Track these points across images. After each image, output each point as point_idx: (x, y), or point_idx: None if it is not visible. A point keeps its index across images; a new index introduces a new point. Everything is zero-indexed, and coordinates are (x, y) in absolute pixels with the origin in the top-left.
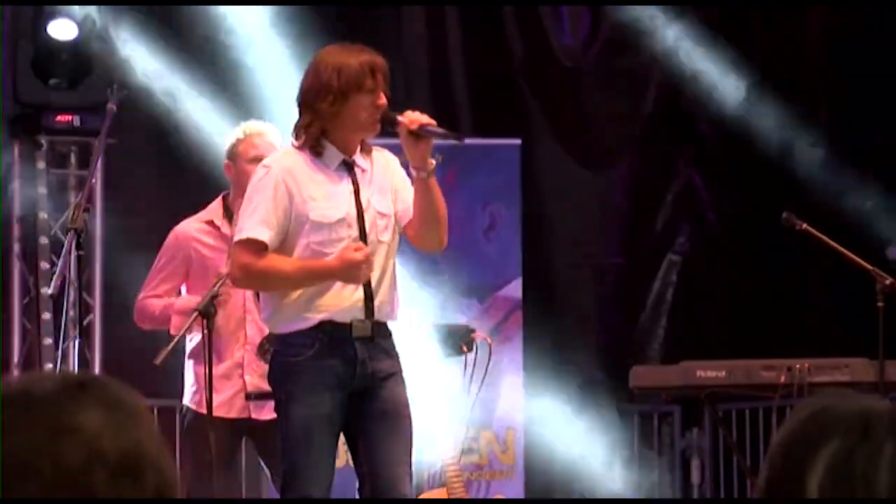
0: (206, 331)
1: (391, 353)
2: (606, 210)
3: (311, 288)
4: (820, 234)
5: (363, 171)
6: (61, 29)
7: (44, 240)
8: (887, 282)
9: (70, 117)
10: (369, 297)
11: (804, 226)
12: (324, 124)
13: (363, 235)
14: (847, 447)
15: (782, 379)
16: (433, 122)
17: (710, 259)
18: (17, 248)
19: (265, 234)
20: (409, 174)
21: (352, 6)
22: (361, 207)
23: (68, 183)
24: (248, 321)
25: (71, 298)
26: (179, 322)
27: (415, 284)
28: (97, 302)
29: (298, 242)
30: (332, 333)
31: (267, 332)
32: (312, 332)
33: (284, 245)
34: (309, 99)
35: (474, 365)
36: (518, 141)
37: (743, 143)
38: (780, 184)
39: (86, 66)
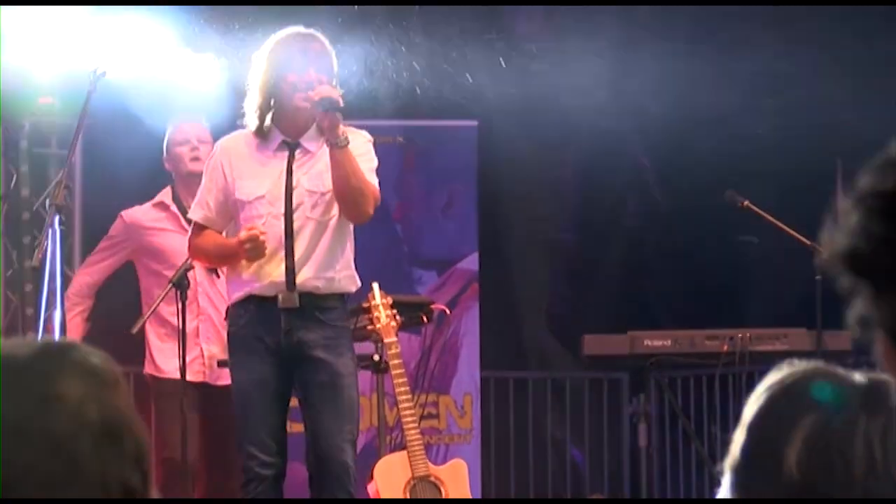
0: (180, 302)
1: (328, 324)
2: (558, 188)
3: (242, 263)
4: (761, 211)
5: (308, 152)
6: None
7: (26, 216)
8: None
9: (51, 99)
10: (290, 269)
11: (745, 203)
12: (264, 105)
13: (288, 212)
14: (823, 420)
15: (725, 348)
16: (332, 94)
17: (656, 234)
18: (0, 223)
19: (198, 214)
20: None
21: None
22: (291, 186)
23: (49, 161)
24: (200, 293)
25: (52, 270)
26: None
27: (377, 258)
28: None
29: (236, 219)
30: (259, 305)
31: (217, 301)
32: (244, 304)
33: (228, 221)
34: (250, 83)
35: (433, 334)
36: (475, 123)
37: (689, 122)
38: (724, 163)
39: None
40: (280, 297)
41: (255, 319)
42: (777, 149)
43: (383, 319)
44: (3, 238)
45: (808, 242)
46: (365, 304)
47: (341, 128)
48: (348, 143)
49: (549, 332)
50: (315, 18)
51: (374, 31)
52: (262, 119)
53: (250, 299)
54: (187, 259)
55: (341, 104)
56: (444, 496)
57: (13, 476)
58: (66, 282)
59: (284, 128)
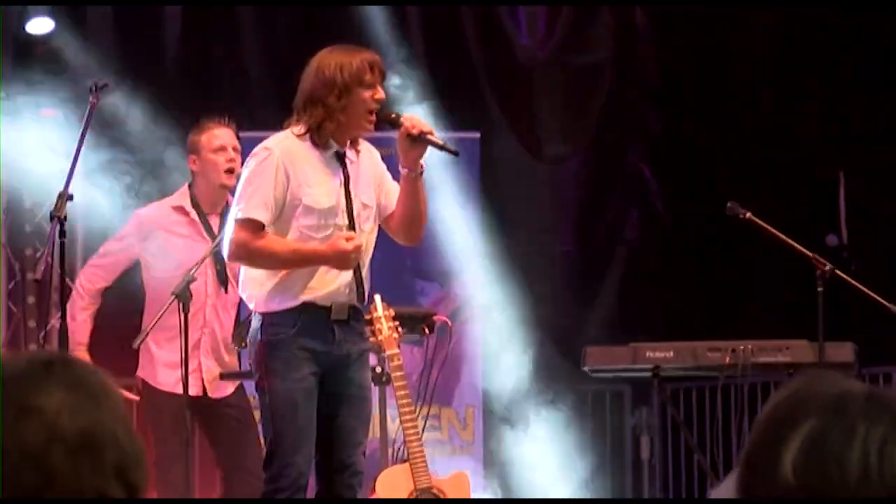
0: (181, 313)
1: (363, 336)
2: (560, 201)
3: (297, 271)
4: (762, 223)
5: (352, 162)
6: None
7: (28, 227)
8: (826, 268)
9: (54, 111)
10: (359, 282)
11: (748, 214)
12: (328, 118)
13: (352, 224)
14: (822, 426)
15: (727, 360)
16: (432, 130)
17: (658, 246)
18: (3, 236)
19: (263, 216)
20: (389, 168)
21: (317, 7)
22: (351, 198)
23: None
24: (209, 305)
25: (54, 283)
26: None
27: (379, 269)
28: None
29: (291, 224)
30: (312, 314)
31: (222, 316)
32: (294, 313)
33: (278, 223)
34: (315, 96)
35: (435, 346)
36: (477, 135)
37: (690, 136)
38: (725, 175)
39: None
40: (333, 307)
41: (307, 328)
42: (780, 159)
43: (385, 331)
44: (5, 250)
45: (809, 254)
46: (367, 316)
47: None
48: (456, 153)
49: (551, 344)
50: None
51: (375, 41)
52: (322, 128)
53: (304, 307)
54: (191, 270)
55: (441, 142)
56: (451, 498)
57: None
58: (67, 294)
59: (338, 136)
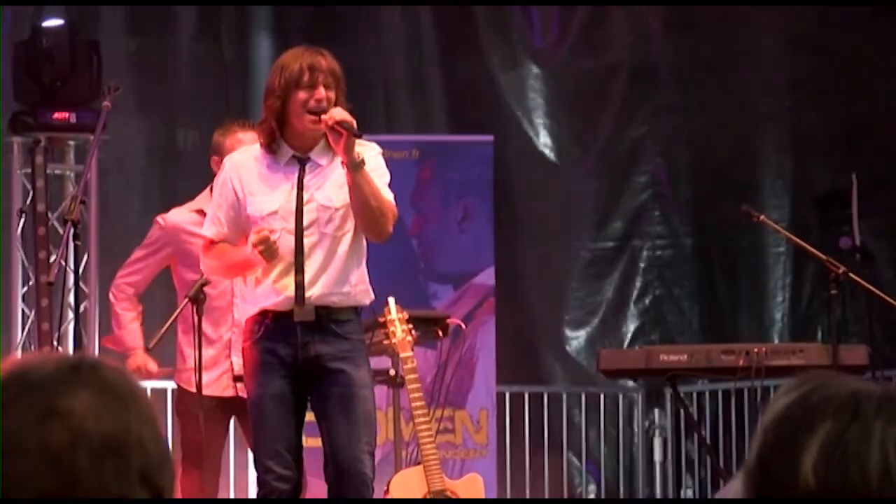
0: (195, 316)
1: (345, 337)
2: (574, 203)
3: (255, 281)
4: (776, 226)
5: (319, 166)
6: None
7: (42, 231)
8: (840, 271)
9: (67, 114)
10: (300, 284)
11: (762, 217)
12: (273, 122)
13: (299, 227)
14: (839, 428)
15: (741, 362)
16: (347, 118)
17: (672, 249)
18: (17, 239)
19: (211, 231)
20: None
21: (331, 8)
22: (302, 201)
23: (65, 177)
24: (236, 305)
25: (68, 286)
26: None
27: (392, 272)
28: (93, 289)
29: (248, 233)
30: (275, 318)
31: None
32: (259, 319)
33: (238, 234)
34: (264, 100)
35: (449, 348)
36: (490, 137)
37: (704, 138)
38: (739, 177)
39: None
40: (295, 310)
41: (270, 333)
42: (794, 162)
43: (399, 334)
44: (19, 253)
45: (823, 257)
46: (381, 319)
47: (356, 150)
48: (364, 164)
49: (565, 347)
50: (334, 38)
51: (389, 45)
52: (271, 135)
53: (265, 314)
54: (204, 274)
55: (355, 127)
56: (459, 498)
57: (8, 489)
58: (80, 297)
59: (294, 143)
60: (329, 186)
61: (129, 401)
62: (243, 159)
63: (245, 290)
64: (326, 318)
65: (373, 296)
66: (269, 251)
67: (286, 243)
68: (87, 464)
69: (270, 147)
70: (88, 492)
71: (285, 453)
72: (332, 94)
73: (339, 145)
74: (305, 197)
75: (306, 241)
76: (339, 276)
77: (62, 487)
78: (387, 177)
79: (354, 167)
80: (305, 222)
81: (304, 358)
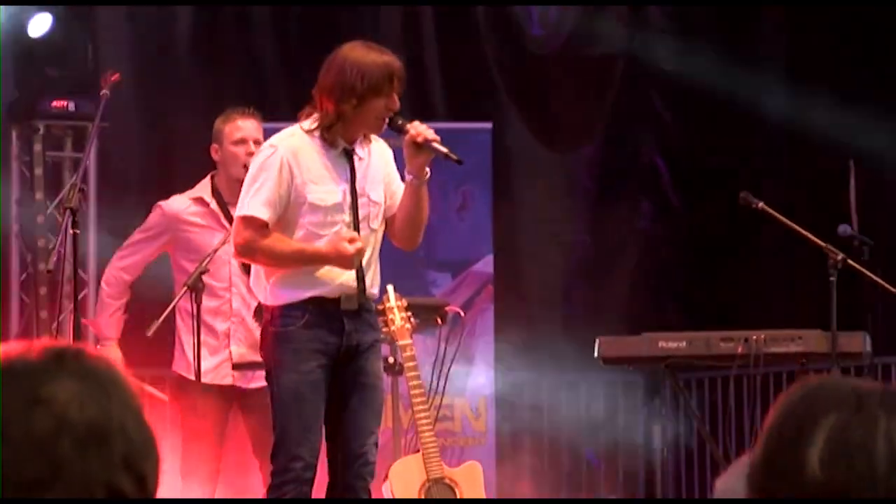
0: (194, 304)
1: (374, 326)
2: (573, 190)
3: (308, 271)
4: (775, 213)
5: (360, 159)
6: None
7: (41, 219)
8: (839, 257)
9: (65, 103)
10: (361, 278)
11: (760, 204)
12: (339, 119)
13: (356, 222)
14: (843, 420)
15: (740, 349)
16: (437, 138)
17: (671, 236)
18: (15, 227)
19: (266, 214)
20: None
21: None
22: (356, 195)
23: (64, 165)
24: (234, 293)
25: (66, 274)
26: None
27: (391, 260)
28: (91, 277)
29: (297, 221)
30: (321, 305)
31: (253, 303)
32: (303, 305)
33: (283, 220)
34: (333, 96)
35: (448, 336)
36: (489, 125)
37: (702, 126)
38: (737, 165)
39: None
40: (343, 298)
41: (316, 320)
42: (792, 149)
43: (398, 322)
44: (17, 241)
45: (821, 243)
46: (380, 307)
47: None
48: (460, 161)
49: (564, 334)
50: (334, 26)
51: (388, 32)
52: (331, 127)
53: (312, 300)
54: (203, 261)
55: (445, 150)
56: (458, 498)
57: None
58: (79, 285)
59: (347, 135)
60: (372, 182)
61: (111, 388)
62: (299, 145)
63: (284, 275)
64: (365, 308)
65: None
66: (358, 258)
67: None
68: (71, 451)
69: (328, 139)
70: (73, 479)
71: (317, 444)
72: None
73: (418, 160)
74: (358, 191)
75: (362, 234)
76: (376, 268)
77: (47, 475)
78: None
79: (422, 181)
80: (360, 216)
81: (347, 346)
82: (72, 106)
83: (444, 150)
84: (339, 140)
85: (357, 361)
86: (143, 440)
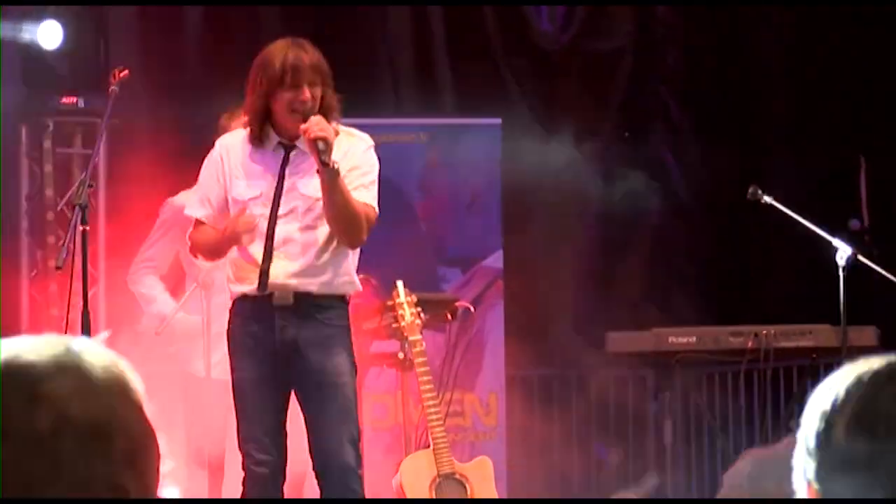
0: (204, 300)
1: (326, 322)
2: (582, 186)
3: (234, 265)
4: (784, 207)
5: (304, 153)
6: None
7: (50, 215)
8: (849, 252)
9: (74, 99)
10: (264, 272)
11: (769, 199)
12: (255, 118)
13: (273, 214)
14: (873, 391)
15: (749, 344)
16: (324, 135)
17: (680, 231)
18: (25, 223)
19: (200, 212)
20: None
21: None
22: (281, 189)
23: (73, 161)
24: None
25: (76, 271)
26: (149, 322)
27: (401, 256)
28: (101, 274)
29: (227, 216)
30: (253, 302)
31: None
32: (238, 303)
33: (222, 216)
34: (248, 91)
35: (458, 332)
36: (498, 121)
37: (711, 121)
38: (746, 160)
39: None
40: (275, 294)
41: (250, 317)
42: (801, 144)
43: (408, 317)
44: (27, 238)
45: (830, 238)
46: (389, 303)
47: (332, 158)
48: (338, 175)
49: (573, 329)
50: (342, 21)
51: (397, 29)
52: (258, 124)
53: (245, 298)
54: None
55: (331, 142)
56: (469, 494)
57: None
58: (88, 282)
59: (280, 132)
60: (312, 175)
61: (114, 384)
62: (233, 142)
63: (228, 275)
64: (307, 304)
65: (359, 287)
66: (246, 235)
67: (262, 229)
68: (73, 448)
69: (258, 136)
70: (74, 476)
71: (263, 437)
72: (317, 91)
73: (315, 154)
74: (286, 185)
75: (281, 230)
76: (318, 266)
77: (47, 472)
78: (371, 175)
79: (328, 174)
80: (282, 210)
81: (282, 342)
82: (81, 102)
83: (320, 149)
84: (272, 135)
85: (304, 360)
86: (145, 437)
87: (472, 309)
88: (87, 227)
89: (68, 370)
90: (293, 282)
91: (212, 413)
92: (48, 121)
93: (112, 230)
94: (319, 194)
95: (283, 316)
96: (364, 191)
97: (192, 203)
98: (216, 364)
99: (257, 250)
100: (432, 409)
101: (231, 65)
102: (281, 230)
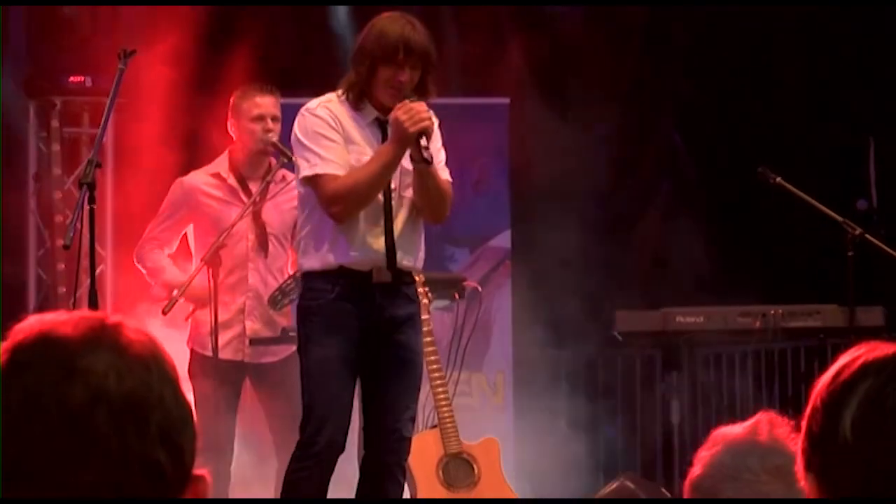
0: (211, 279)
1: (412, 299)
2: (590, 165)
3: (336, 235)
4: (793, 188)
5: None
6: None
7: (58, 194)
8: (857, 232)
9: (82, 78)
10: (390, 247)
11: (778, 179)
12: (358, 83)
13: (387, 189)
14: (879, 384)
15: (757, 324)
16: (429, 124)
17: (688, 211)
18: (32, 202)
19: (333, 167)
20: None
21: None
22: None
23: (81, 141)
24: (251, 269)
25: (83, 249)
26: (160, 292)
27: None
28: (109, 252)
29: None
30: (352, 278)
31: (268, 279)
32: (333, 277)
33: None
34: (354, 59)
35: (465, 311)
36: (507, 100)
37: (721, 102)
38: (755, 140)
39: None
40: (374, 271)
41: (347, 293)
42: (810, 124)
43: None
44: (35, 217)
45: (839, 218)
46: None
47: (428, 148)
48: (430, 163)
49: (582, 309)
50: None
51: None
52: (359, 94)
53: (342, 272)
54: (220, 236)
55: (432, 129)
56: (476, 473)
57: (28, 449)
58: (96, 260)
59: (377, 106)
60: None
61: (150, 361)
62: (338, 108)
63: (314, 243)
64: (400, 281)
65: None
66: (413, 122)
67: (375, 203)
68: (107, 423)
69: (357, 105)
70: (109, 451)
71: (343, 418)
72: (416, 75)
73: (414, 149)
74: None
75: (395, 206)
76: (415, 240)
77: (82, 447)
78: (444, 151)
79: (424, 162)
80: (392, 185)
81: (378, 319)
82: (89, 81)
83: (422, 145)
84: (369, 107)
85: (391, 336)
86: (181, 414)
87: (479, 288)
88: (95, 206)
89: (105, 345)
90: (398, 258)
91: (218, 393)
92: (56, 100)
93: (119, 209)
94: (410, 167)
95: (382, 294)
96: (442, 167)
97: (325, 164)
98: (225, 345)
99: (370, 225)
100: (440, 389)
101: (240, 45)
102: (392, 206)
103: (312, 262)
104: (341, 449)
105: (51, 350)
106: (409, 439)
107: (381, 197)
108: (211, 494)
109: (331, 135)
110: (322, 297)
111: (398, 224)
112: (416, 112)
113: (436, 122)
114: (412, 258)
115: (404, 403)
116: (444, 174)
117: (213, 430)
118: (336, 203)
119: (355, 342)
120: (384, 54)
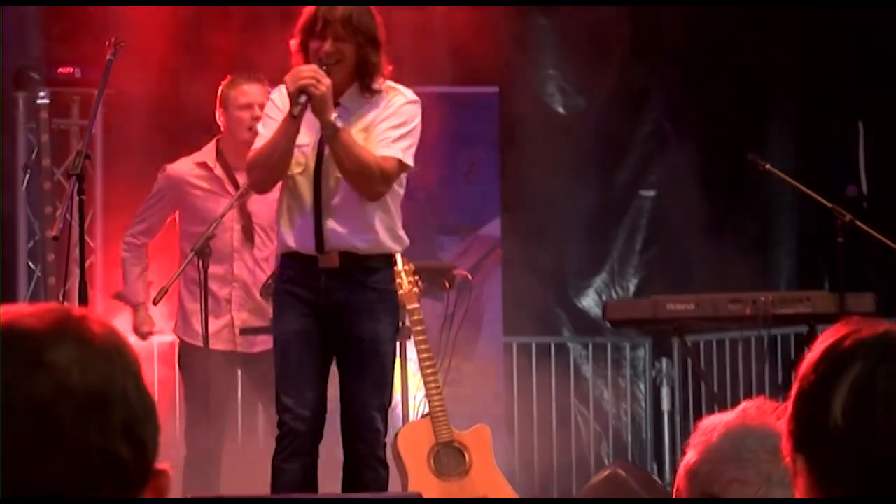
0: (201, 270)
1: (370, 286)
2: (580, 153)
3: (282, 218)
4: (782, 174)
5: (347, 109)
6: None
7: (47, 185)
8: (846, 218)
9: (71, 69)
10: (318, 231)
11: (767, 166)
12: (302, 63)
13: (317, 171)
14: (868, 369)
15: (748, 311)
16: (310, 83)
17: (678, 198)
18: (22, 193)
19: (260, 143)
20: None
21: None
22: (324, 146)
23: (70, 132)
24: (237, 260)
25: (73, 240)
26: (125, 298)
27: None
28: (98, 243)
29: None
30: (299, 261)
31: (255, 270)
32: (286, 260)
33: None
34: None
35: (456, 300)
36: (496, 89)
37: (710, 89)
38: (745, 127)
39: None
40: (321, 256)
41: (296, 277)
42: (800, 110)
43: (406, 286)
44: (24, 208)
45: (829, 204)
46: None
47: (331, 114)
48: (338, 129)
49: (572, 297)
50: None
51: None
52: None
53: (291, 255)
54: (210, 227)
55: (316, 93)
56: (467, 461)
57: None
58: (85, 252)
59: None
60: (355, 130)
61: (114, 354)
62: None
63: (278, 229)
64: (352, 266)
65: (406, 242)
66: (308, 79)
67: (305, 185)
68: (71, 417)
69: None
70: (73, 444)
71: (305, 391)
72: (346, 47)
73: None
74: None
75: (326, 185)
76: (364, 221)
77: (46, 440)
78: (403, 128)
79: (327, 128)
80: (325, 166)
81: (326, 305)
82: (78, 73)
83: (299, 101)
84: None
85: (344, 324)
86: (144, 407)
87: (470, 277)
88: (84, 197)
89: (69, 339)
90: (334, 241)
91: (208, 383)
92: (45, 91)
93: (109, 200)
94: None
95: (328, 279)
96: (387, 143)
97: (257, 141)
98: (214, 334)
99: (303, 206)
100: (430, 378)
101: (228, 34)
102: (322, 186)
103: (279, 246)
104: (310, 422)
105: (16, 343)
106: (381, 430)
107: (310, 180)
108: (171, 489)
109: (273, 114)
110: (279, 279)
111: (338, 206)
112: (299, 72)
113: (404, 99)
114: (363, 239)
115: (370, 394)
116: (383, 150)
117: (202, 422)
118: (250, 172)
119: (311, 319)
120: (306, 28)
